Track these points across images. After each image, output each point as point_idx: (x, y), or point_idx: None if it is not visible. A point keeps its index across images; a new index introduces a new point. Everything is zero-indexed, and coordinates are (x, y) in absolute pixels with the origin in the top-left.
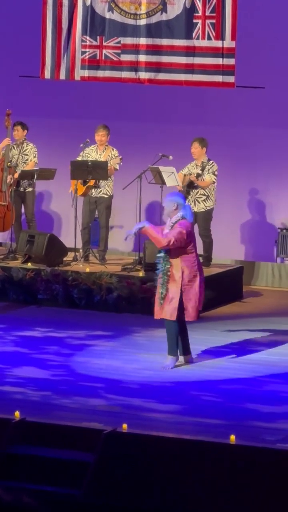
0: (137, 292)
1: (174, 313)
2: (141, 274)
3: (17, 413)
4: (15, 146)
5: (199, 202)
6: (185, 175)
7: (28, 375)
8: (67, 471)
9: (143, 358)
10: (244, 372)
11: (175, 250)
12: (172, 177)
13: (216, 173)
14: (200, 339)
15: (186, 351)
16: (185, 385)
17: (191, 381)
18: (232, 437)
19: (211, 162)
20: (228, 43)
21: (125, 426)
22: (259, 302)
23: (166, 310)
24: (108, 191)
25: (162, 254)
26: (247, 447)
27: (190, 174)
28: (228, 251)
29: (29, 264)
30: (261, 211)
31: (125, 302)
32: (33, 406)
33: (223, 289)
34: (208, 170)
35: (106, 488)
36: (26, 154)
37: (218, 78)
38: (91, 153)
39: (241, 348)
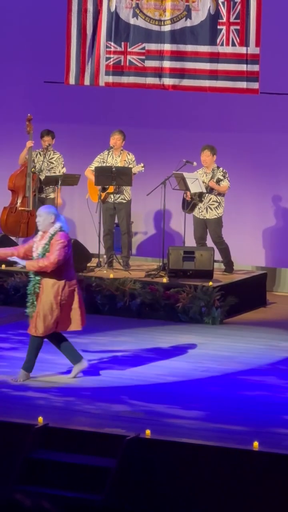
0: (161, 298)
1: (48, 329)
2: (165, 280)
3: (40, 419)
4: (41, 152)
5: (211, 209)
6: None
7: (51, 381)
8: (89, 477)
9: (167, 364)
10: (268, 378)
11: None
12: (196, 183)
13: (229, 178)
14: (224, 345)
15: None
16: (208, 391)
17: (214, 387)
18: (256, 443)
19: (221, 169)
20: (252, 49)
21: (148, 432)
22: (283, 309)
23: (38, 327)
24: (126, 196)
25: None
26: (270, 453)
27: (204, 183)
28: (251, 257)
29: None
30: (284, 217)
31: (148, 308)
32: (56, 412)
33: (247, 296)
34: (222, 175)
35: (128, 494)
36: (52, 162)
37: (242, 84)
38: (107, 158)
39: (265, 355)
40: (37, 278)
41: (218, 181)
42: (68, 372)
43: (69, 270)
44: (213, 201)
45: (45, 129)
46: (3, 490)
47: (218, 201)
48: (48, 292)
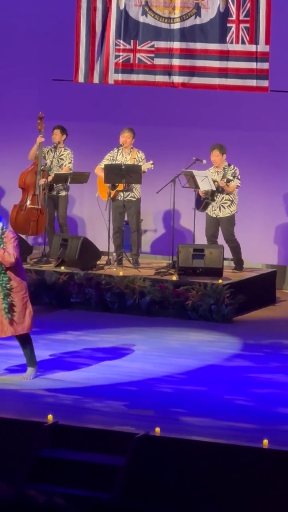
0: (170, 296)
1: (31, 324)
2: (174, 278)
3: (50, 417)
4: (52, 149)
5: (224, 208)
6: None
7: (61, 379)
8: (98, 475)
9: (176, 362)
10: (277, 376)
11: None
12: (206, 181)
13: (239, 176)
14: (233, 342)
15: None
16: (218, 389)
17: (224, 385)
18: (265, 441)
19: (232, 166)
20: (262, 47)
21: (158, 430)
22: None
23: (25, 324)
24: (136, 194)
25: None
26: (280, 451)
27: (216, 182)
28: (260, 255)
29: (62, 267)
30: None
31: (158, 306)
32: (66, 410)
33: (256, 293)
34: (233, 174)
35: (138, 492)
36: (62, 159)
37: (252, 82)
38: (117, 156)
39: (274, 352)
40: (5, 278)
41: (228, 181)
42: (75, 369)
43: (21, 269)
44: (225, 200)
45: (58, 124)
46: (13, 488)
47: (231, 199)
48: (18, 290)
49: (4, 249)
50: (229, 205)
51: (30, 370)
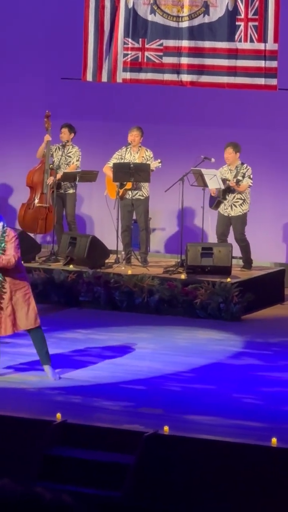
0: (179, 294)
1: (37, 319)
2: (183, 276)
3: (58, 415)
4: (60, 147)
5: (236, 207)
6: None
7: (70, 377)
8: (107, 474)
9: (184, 360)
10: (286, 374)
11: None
12: (214, 180)
13: (251, 176)
14: (242, 341)
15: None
16: (226, 387)
17: (232, 383)
18: (274, 440)
19: (245, 166)
20: (270, 45)
21: (166, 428)
22: None
23: (29, 320)
24: (144, 193)
25: None
26: None
27: (228, 181)
28: (269, 254)
29: (71, 266)
30: None
31: (167, 305)
32: (74, 408)
33: (264, 292)
34: (244, 174)
35: (147, 491)
36: (70, 157)
37: (261, 81)
38: (125, 155)
39: (283, 351)
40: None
41: (238, 182)
42: (83, 368)
43: (22, 266)
44: (237, 199)
45: (66, 123)
46: (22, 487)
47: (243, 198)
48: (20, 287)
49: (3, 255)
50: (241, 204)
51: (47, 369)
